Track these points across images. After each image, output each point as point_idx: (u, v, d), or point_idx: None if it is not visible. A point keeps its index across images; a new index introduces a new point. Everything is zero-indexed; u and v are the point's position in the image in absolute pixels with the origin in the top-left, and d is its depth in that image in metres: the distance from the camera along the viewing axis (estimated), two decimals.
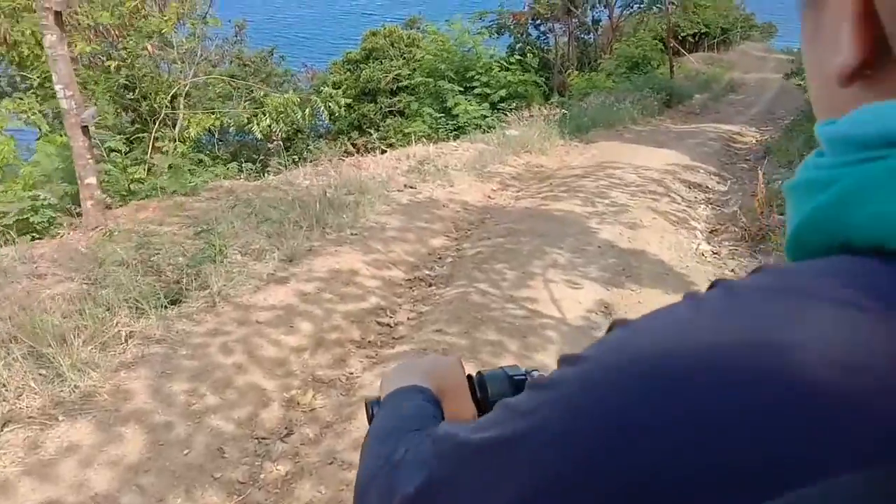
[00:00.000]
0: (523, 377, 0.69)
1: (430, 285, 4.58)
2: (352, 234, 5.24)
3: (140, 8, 10.20)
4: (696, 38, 27.13)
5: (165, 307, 3.63)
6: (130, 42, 9.65)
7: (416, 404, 0.59)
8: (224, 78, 11.54)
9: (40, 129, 7.37)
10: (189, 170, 6.74)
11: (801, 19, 0.41)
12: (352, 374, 3.30)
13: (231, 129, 11.68)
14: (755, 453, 0.27)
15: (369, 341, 3.71)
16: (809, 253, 0.35)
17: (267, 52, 17.22)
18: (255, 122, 9.51)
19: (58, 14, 4.69)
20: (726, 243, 5.74)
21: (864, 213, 0.32)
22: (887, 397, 0.27)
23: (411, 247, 5.18)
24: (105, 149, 6.83)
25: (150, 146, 7.97)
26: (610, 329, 0.36)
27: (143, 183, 6.47)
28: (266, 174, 7.21)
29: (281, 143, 9.47)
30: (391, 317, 4.01)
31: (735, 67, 25.44)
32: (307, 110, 10.76)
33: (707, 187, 8.05)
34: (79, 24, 9.05)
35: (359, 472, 0.50)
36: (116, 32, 10.10)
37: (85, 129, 4.91)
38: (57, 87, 4.81)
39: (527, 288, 4.35)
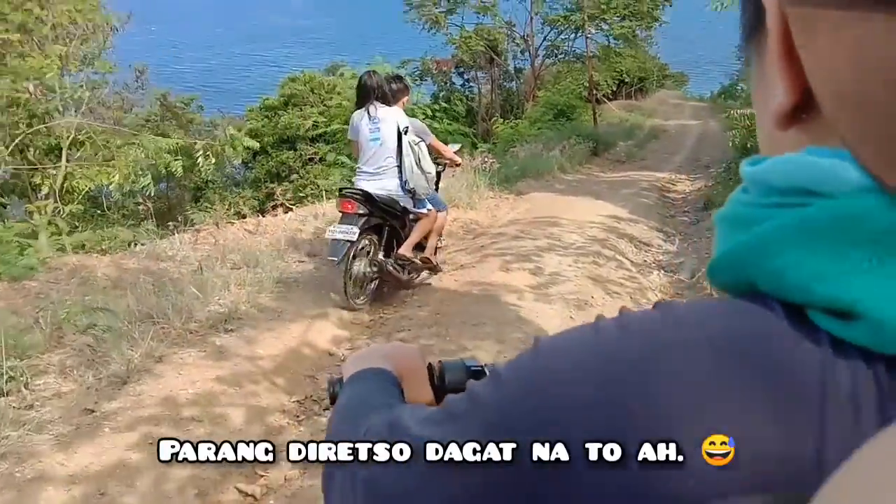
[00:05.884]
0: (480, 368, 0.73)
1: (326, 409, 3.34)
2: (227, 328, 3.98)
3: (11, 43, 8.71)
4: (616, 86, 27.32)
5: None
6: (4, 81, 8.13)
7: (378, 385, 0.61)
8: (106, 128, 10.02)
9: None
10: (21, 245, 5.26)
11: (750, 64, 0.40)
12: None
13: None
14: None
15: None
16: (724, 284, 0.36)
17: (188, 99, 16.01)
18: (106, 176, 7.99)
19: None
20: None
21: (771, 264, 0.32)
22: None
23: (301, 348, 3.93)
24: None
25: None
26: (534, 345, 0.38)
27: None
28: (132, 245, 5.82)
29: (149, 205, 7.97)
30: (262, 475, 2.72)
31: (655, 114, 25.67)
32: (209, 158, 9.41)
33: (654, 246, 7.18)
34: None
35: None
36: None
37: None
38: None
39: None
